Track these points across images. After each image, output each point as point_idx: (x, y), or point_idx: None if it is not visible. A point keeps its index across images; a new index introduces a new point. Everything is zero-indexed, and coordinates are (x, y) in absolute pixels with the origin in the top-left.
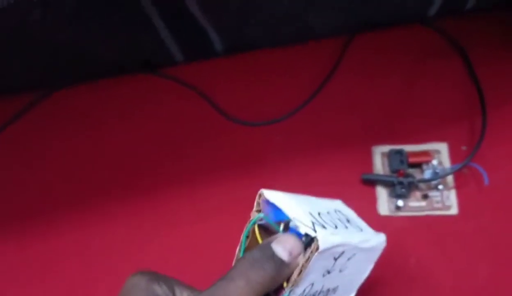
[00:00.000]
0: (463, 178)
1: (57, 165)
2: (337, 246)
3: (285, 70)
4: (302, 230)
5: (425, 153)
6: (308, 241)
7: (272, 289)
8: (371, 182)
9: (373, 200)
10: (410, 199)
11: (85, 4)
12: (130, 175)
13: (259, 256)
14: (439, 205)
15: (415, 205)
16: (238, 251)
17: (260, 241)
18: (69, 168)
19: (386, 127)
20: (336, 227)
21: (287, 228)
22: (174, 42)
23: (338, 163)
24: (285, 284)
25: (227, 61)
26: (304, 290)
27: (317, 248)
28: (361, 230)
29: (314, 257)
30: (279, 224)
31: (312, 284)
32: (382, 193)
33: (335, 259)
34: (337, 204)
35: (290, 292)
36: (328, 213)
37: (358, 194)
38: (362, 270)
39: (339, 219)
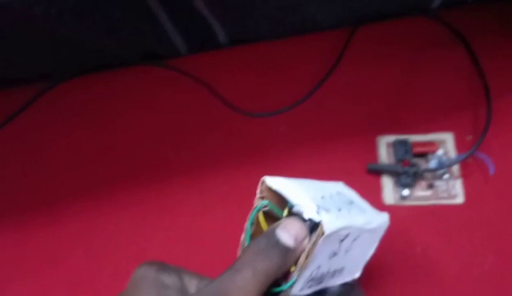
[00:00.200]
0: (469, 168)
1: (62, 156)
2: (342, 229)
3: (289, 62)
4: (306, 215)
5: (430, 143)
6: (313, 225)
7: (280, 275)
8: (377, 172)
9: (378, 190)
10: (415, 188)
11: None
12: (135, 166)
13: (264, 244)
14: (445, 194)
15: (420, 195)
16: (244, 239)
17: (265, 227)
18: (74, 159)
19: (391, 118)
20: (339, 210)
21: (291, 214)
22: (178, 34)
23: (343, 153)
24: (293, 268)
25: (231, 53)
26: (312, 273)
27: (323, 233)
28: (364, 211)
29: (320, 241)
30: (283, 209)
31: (319, 267)
32: (387, 182)
33: (341, 242)
34: (340, 186)
35: (298, 275)
36: (331, 196)
37: (363, 183)
38: (367, 250)
39: (342, 202)
